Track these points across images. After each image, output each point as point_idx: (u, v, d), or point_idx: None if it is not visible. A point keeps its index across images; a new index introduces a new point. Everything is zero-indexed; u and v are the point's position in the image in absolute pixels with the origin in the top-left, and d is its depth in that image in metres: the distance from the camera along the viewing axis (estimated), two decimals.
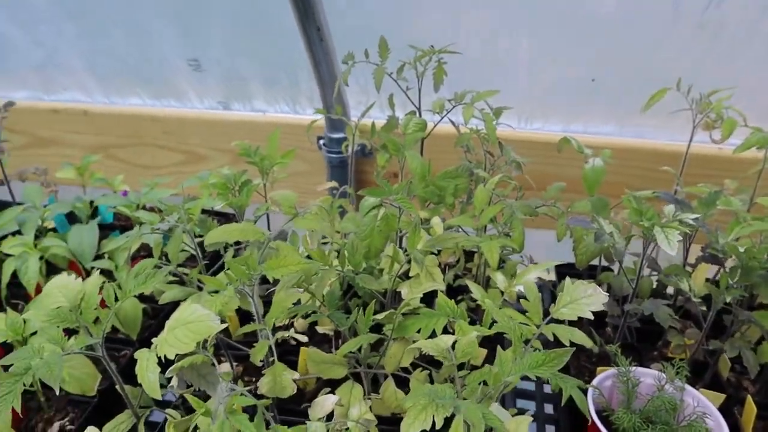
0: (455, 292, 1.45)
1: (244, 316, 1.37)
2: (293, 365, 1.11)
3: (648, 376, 1.18)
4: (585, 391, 1.15)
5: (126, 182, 1.84)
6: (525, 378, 1.50)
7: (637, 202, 1.17)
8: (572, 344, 0.94)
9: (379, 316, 1.01)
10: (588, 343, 0.95)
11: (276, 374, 0.92)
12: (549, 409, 1.41)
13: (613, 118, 1.84)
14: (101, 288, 1.04)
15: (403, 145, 1.35)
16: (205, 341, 0.91)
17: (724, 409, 1.19)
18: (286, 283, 1.05)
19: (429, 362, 1.19)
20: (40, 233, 1.58)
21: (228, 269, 0.96)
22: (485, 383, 0.88)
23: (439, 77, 1.52)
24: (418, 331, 1.02)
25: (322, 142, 1.99)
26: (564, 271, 1.57)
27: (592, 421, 1.09)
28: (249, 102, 2.08)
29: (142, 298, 1.38)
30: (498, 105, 1.47)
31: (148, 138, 2.18)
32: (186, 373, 0.91)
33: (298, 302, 1.11)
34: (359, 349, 1.08)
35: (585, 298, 0.98)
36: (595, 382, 1.16)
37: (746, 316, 1.16)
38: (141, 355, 0.91)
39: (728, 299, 1.14)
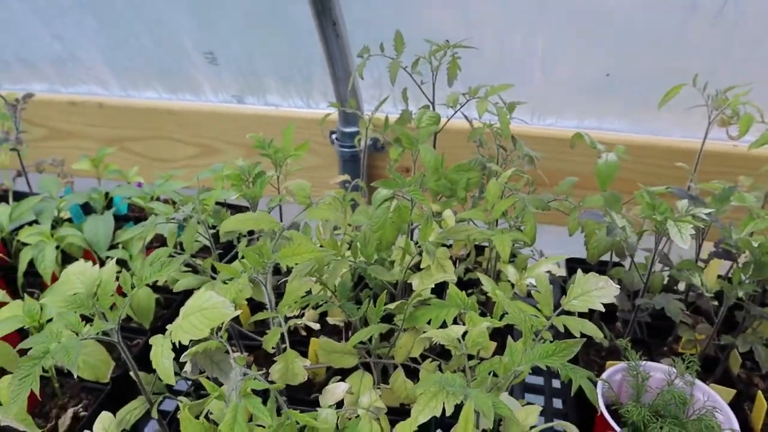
0: (466, 285, 1.45)
1: (255, 307, 1.38)
2: (303, 356, 1.12)
3: (657, 371, 1.18)
4: (594, 384, 1.16)
5: (141, 175, 1.86)
6: (533, 373, 1.53)
7: (650, 196, 1.16)
8: (583, 336, 0.94)
9: (391, 306, 1.02)
10: (598, 334, 0.95)
11: (288, 361, 0.93)
12: (558, 404, 1.42)
13: (628, 114, 1.84)
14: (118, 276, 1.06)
15: (416, 138, 1.35)
16: (219, 328, 0.92)
17: (734, 405, 1.19)
18: (299, 273, 1.06)
19: (438, 354, 1.19)
20: (57, 223, 1.60)
21: (242, 258, 0.97)
22: (495, 374, 0.88)
23: (454, 72, 1.52)
24: (429, 322, 1.03)
25: (334, 136, 2.00)
26: (574, 266, 1.56)
27: (601, 414, 1.10)
28: (263, 96, 2.09)
29: (155, 288, 1.40)
30: (512, 101, 1.47)
31: (163, 131, 2.21)
32: (200, 359, 0.93)
33: (309, 292, 1.12)
34: (370, 340, 1.09)
35: (596, 290, 0.98)
36: (604, 375, 1.16)
37: (759, 311, 1.16)
38: (156, 340, 0.93)
39: (740, 294, 1.14)
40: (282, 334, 0.94)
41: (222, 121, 2.12)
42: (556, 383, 1.46)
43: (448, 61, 1.50)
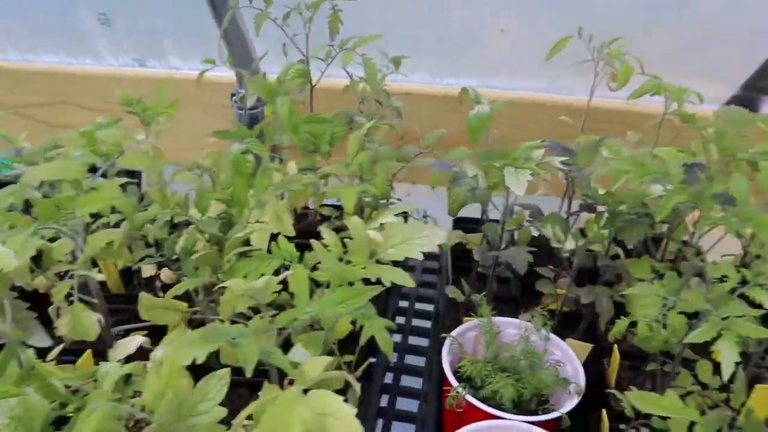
0: None
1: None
2: None
3: (511, 326, 1.15)
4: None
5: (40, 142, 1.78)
6: None
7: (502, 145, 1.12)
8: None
9: (197, 256, 0.97)
10: (410, 283, 0.89)
11: (76, 314, 0.88)
12: None
13: (528, 73, 1.78)
14: None
15: (277, 91, 1.30)
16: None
17: (595, 361, 1.16)
18: (125, 227, 1.01)
19: None
20: None
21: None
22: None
23: (335, 25, 1.47)
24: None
25: (234, 98, 1.93)
26: (462, 227, 1.51)
27: (442, 371, 1.06)
28: (164, 59, 2.02)
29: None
30: (410, 62, 1.42)
31: (66, 96, 2.12)
32: None
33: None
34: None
35: (419, 239, 0.93)
36: (455, 332, 1.12)
37: (606, 261, 1.12)
38: None
39: (581, 243, 1.09)
40: (73, 287, 0.89)
41: (123, 86, 2.03)
42: None
43: (329, 15, 1.45)
